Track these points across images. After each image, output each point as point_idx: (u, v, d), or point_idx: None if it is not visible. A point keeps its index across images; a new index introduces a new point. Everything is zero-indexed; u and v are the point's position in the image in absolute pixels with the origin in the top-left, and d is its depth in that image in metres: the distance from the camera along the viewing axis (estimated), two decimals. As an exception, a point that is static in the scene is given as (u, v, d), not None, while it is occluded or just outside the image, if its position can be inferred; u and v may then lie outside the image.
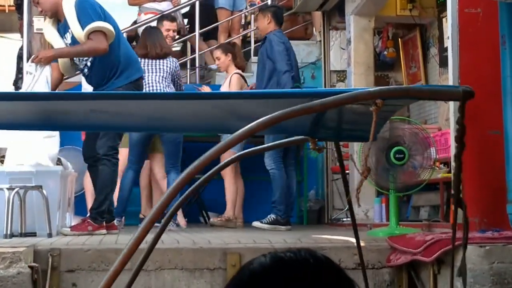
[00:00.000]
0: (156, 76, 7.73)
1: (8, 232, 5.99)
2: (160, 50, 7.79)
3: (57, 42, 6.38)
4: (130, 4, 10.28)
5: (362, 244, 3.60)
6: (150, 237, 6.06)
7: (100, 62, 6.30)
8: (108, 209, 6.61)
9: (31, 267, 4.86)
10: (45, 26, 6.55)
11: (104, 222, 6.54)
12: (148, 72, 7.65)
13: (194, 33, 10.13)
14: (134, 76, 6.43)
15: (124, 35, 9.49)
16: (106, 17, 6.25)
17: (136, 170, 7.96)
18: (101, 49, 6.19)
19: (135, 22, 10.30)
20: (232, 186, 8.23)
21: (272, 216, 7.53)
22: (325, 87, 9.48)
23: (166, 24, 8.33)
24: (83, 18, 6.17)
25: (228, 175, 8.21)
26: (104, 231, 6.50)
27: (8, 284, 4.70)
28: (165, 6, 9.78)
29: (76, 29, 6.20)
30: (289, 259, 1.42)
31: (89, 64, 6.36)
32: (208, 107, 2.71)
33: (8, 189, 6.11)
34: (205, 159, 2.02)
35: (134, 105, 2.71)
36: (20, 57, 9.14)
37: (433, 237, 5.08)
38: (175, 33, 8.77)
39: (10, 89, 11.27)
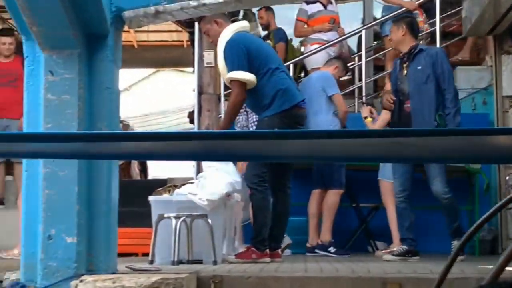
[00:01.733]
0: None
1: (175, 259, 6.27)
2: None
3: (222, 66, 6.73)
4: (297, 36, 10.49)
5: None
6: (311, 265, 6.13)
7: (249, 96, 6.58)
8: (273, 237, 6.76)
9: (193, 293, 5.06)
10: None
11: (267, 250, 6.70)
12: None
13: (360, 62, 10.19)
14: (284, 106, 6.59)
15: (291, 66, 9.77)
16: (254, 57, 6.52)
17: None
18: (238, 101, 6.60)
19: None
20: (394, 215, 8.14)
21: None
22: (496, 113, 9.24)
23: None
24: (228, 63, 6.56)
25: (390, 204, 8.13)
26: (268, 259, 6.65)
27: (171, 309, 4.92)
28: (330, 36, 9.89)
29: (221, 67, 6.66)
30: None
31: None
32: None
33: (175, 217, 6.39)
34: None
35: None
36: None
37: None
38: None
39: (185, 120, 11.72)
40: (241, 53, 6.48)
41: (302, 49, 10.64)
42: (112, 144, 2.68)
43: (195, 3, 5.24)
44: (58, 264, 4.94)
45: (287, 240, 7.84)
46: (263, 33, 10.90)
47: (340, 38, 10.01)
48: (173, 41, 17.04)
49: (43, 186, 4.96)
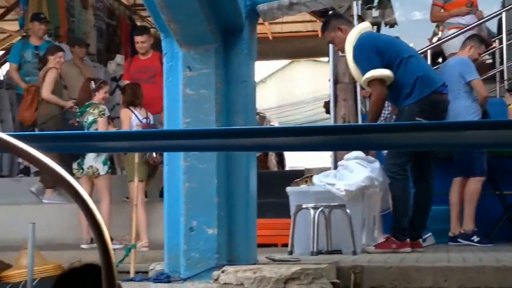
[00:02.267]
0: None
1: (315, 250, 6.30)
2: None
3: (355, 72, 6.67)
4: (433, 21, 10.28)
5: None
6: (453, 255, 6.06)
7: (389, 90, 6.48)
8: (413, 227, 6.68)
9: (333, 283, 5.08)
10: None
11: (408, 240, 6.63)
12: None
13: (501, 45, 9.89)
14: (425, 92, 6.47)
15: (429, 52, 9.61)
16: (384, 52, 6.43)
17: None
18: (380, 100, 6.46)
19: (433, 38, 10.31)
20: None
21: None
22: None
23: None
24: (361, 65, 6.46)
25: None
26: (408, 249, 6.58)
27: (312, 300, 4.95)
28: (468, 20, 9.64)
29: (353, 70, 6.58)
30: None
31: None
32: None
33: (313, 208, 6.42)
34: None
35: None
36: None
37: None
38: None
39: (321, 110, 11.72)
40: (371, 53, 6.40)
41: (440, 34, 10.42)
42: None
43: (328, -7, 5.24)
44: (200, 255, 5.07)
45: None
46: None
47: (479, 22, 9.74)
48: (308, 31, 17.09)
49: (184, 179, 5.10)
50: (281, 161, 15.54)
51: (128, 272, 6.59)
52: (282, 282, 4.90)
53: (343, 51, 6.79)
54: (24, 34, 11.32)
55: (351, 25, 6.83)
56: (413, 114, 6.37)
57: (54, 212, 8.99)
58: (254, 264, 5.24)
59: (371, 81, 6.40)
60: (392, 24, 12.10)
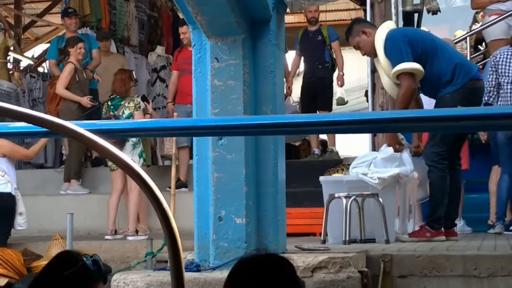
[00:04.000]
0: None
1: (347, 238, 6.35)
2: None
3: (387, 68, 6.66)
4: (474, 8, 10.23)
5: None
6: (485, 243, 6.07)
7: (426, 80, 6.47)
8: (448, 215, 6.69)
9: (361, 272, 5.13)
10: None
11: (442, 229, 6.64)
12: None
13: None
14: (466, 78, 6.46)
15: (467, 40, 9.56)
16: (418, 43, 6.41)
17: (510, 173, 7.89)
18: (408, 92, 6.36)
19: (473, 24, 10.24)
20: None
21: None
22: None
23: None
24: (392, 58, 6.42)
25: None
26: (443, 237, 6.59)
27: (339, 288, 5.02)
28: (509, 6, 9.56)
29: (386, 66, 6.49)
30: None
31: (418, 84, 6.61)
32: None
33: (345, 197, 6.47)
34: None
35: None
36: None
37: None
38: None
39: (364, 98, 11.72)
40: (403, 45, 6.36)
41: (481, 20, 10.35)
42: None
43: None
44: (229, 244, 5.15)
45: None
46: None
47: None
48: (351, 19, 17.01)
49: (212, 169, 5.19)
50: (325, 149, 15.54)
51: (166, 262, 6.73)
52: (309, 271, 4.97)
53: (369, 54, 6.79)
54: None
55: (375, 28, 6.80)
56: (454, 101, 6.33)
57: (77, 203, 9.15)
58: (284, 253, 5.32)
59: (401, 74, 6.37)
60: (435, 11, 12.04)
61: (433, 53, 6.46)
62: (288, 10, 5.59)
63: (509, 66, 7.75)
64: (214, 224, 5.18)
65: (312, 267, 4.95)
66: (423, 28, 11.91)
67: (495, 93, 7.83)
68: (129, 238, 8.39)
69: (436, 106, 6.57)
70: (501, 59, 7.82)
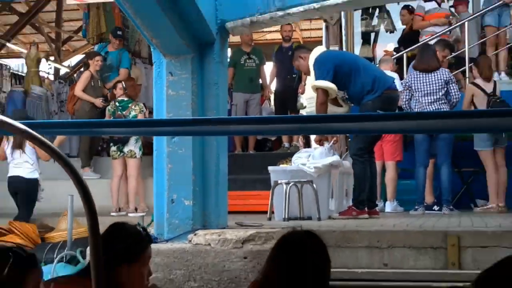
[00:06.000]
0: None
1: (286, 216, 6.54)
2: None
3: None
4: (415, 28, 10.25)
5: None
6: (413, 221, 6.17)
7: (352, 91, 6.66)
8: (369, 199, 6.85)
9: (283, 244, 5.29)
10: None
11: (366, 209, 6.80)
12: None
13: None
14: (384, 87, 6.62)
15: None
16: (344, 62, 6.63)
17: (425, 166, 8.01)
18: (320, 105, 6.58)
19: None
20: (493, 176, 7.97)
21: None
22: None
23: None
24: (316, 73, 6.67)
25: (489, 166, 7.96)
26: (366, 215, 6.76)
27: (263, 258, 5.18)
28: (443, 28, 9.65)
29: (311, 81, 6.74)
30: None
31: (346, 96, 6.79)
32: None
33: (286, 183, 6.65)
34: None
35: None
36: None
37: None
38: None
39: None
40: (330, 66, 6.57)
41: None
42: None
43: (281, 13, 5.43)
44: (179, 221, 5.35)
45: None
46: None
47: (447, 29, 9.74)
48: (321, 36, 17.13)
49: (167, 161, 5.38)
50: (308, 142, 15.67)
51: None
52: (240, 243, 5.14)
53: (306, 73, 7.04)
54: (87, 42, 11.74)
55: (309, 51, 6.99)
56: (374, 106, 6.52)
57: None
58: (224, 228, 5.50)
59: (317, 89, 6.59)
60: (391, 30, 12.20)
61: (356, 70, 6.64)
62: (230, 34, 5.75)
63: (420, 83, 7.77)
64: (168, 205, 5.37)
65: (242, 239, 5.12)
66: (379, 44, 12.09)
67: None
68: (130, 214, 8.61)
69: (359, 111, 6.75)
70: (413, 79, 7.82)
